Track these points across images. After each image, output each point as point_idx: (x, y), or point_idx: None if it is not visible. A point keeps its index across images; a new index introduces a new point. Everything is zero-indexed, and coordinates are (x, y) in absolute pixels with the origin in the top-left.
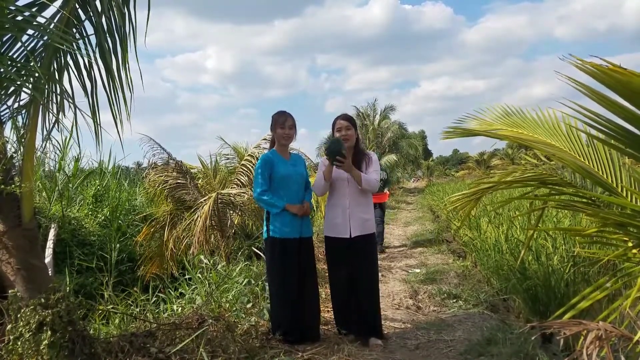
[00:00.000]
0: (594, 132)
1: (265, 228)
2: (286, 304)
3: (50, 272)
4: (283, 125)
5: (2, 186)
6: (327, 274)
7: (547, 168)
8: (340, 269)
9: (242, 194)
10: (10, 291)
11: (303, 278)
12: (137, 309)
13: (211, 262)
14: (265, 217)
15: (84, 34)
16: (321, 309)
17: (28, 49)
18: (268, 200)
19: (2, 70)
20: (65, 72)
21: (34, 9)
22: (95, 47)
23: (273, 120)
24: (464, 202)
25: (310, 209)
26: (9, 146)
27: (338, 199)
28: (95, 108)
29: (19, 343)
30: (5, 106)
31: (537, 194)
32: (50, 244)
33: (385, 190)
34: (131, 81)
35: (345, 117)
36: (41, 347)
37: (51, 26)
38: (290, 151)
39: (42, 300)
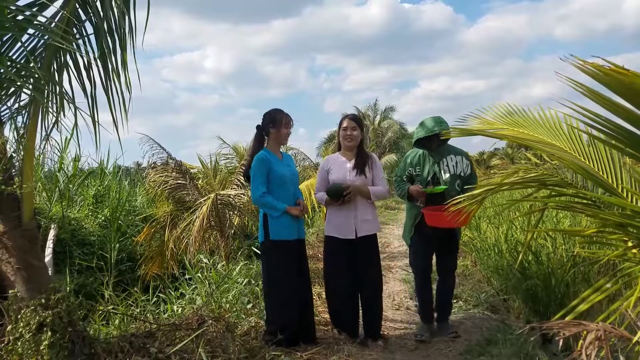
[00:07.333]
0: (594, 132)
1: (262, 231)
2: (290, 307)
3: (50, 272)
4: (288, 124)
5: (2, 186)
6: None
7: (548, 168)
8: (340, 270)
9: (241, 195)
10: (10, 291)
11: (300, 280)
12: (137, 310)
13: (211, 262)
14: (263, 220)
15: (84, 34)
16: (321, 309)
17: (28, 49)
18: (271, 202)
19: (2, 70)
20: (65, 73)
21: (34, 9)
22: (97, 48)
23: (275, 119)
24: (467, 204)
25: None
26: (8, 146)
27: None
28: (94, 108)
29: (19, 343)
30: (5, 106)
31: (538, 196)
32: (50, 244)
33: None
34: (129, 81)
35: (353, 117)
36: (41, 348)
37: (52, 25)
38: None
39: (42, 300)
